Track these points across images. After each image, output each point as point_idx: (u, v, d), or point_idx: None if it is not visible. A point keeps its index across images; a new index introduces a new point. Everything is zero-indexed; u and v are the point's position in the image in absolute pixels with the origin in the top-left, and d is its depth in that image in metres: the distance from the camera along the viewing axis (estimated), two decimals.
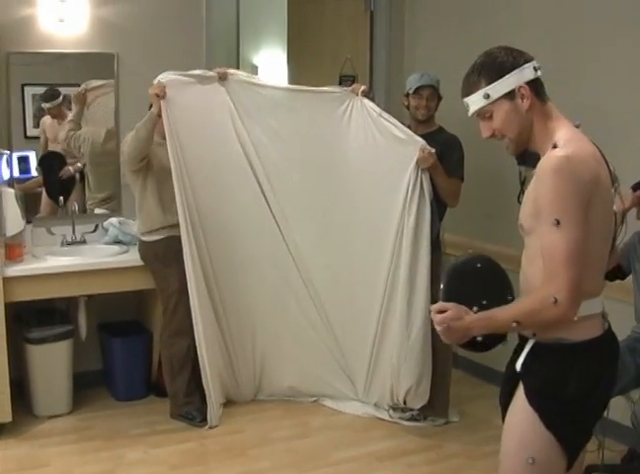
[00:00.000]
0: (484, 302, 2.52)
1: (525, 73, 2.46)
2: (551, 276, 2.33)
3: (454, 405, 5.05)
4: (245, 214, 5.09)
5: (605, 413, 3.01)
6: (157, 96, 4.64)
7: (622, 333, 4.15)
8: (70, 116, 5.48)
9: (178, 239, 4.82)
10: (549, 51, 4.92)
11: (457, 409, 5.05)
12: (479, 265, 2.68)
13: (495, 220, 5.33)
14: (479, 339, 2.51)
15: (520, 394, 2.52)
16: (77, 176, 5.58)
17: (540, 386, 2.47)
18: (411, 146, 4.72)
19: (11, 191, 4.85)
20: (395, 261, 4.85)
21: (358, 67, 6.27)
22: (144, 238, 4.98)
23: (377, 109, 4.91)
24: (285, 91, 5.15)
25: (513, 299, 2.59)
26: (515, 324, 2.38)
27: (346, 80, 6.18)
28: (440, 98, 4.91)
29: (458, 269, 2.70)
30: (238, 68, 6.55)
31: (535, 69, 2.48)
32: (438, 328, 2.49)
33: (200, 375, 4.91)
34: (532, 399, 2.47)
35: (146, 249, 4.99)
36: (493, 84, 2.46)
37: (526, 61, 2.47)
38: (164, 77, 4.71)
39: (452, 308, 2.47)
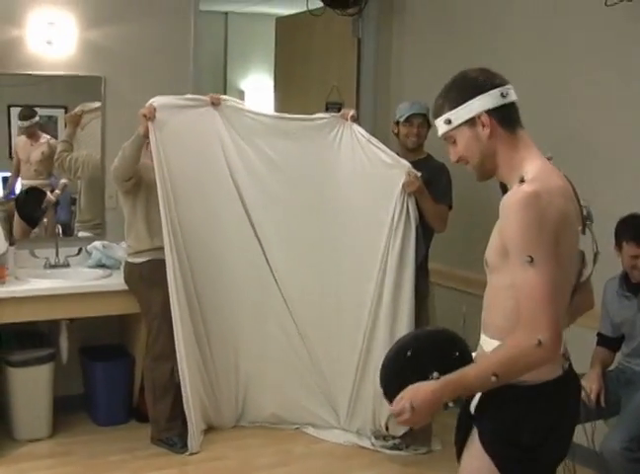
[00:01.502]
0: (435, 375, 2.38)
1: (488, 100, 2.33)
2: (530, 317, 2.18)
3: (437, 434, 5.01)
4: (231, 240, 5.07)
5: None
6: (145, 116, 4.65)
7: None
8: (63, 136, 5.45)
9: (163, 262, 4.82)
10: (536, 75, 4.96)
11: (440, 438, 5.01)
12: (409, 353, 2.48)
13: (480, 248, 5.32)
14: (450, 404, 2.34)
15: (474, 438, 2.41)
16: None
17: (495, 431, 2.36)
18: (397, 170, 4.74)
19: None
20: (379, 288, 4.86)
21: (344, 95, 6.28)
22: (130, 259, 4.96)
23: (365, 134, 4.94)
24: (277, 119, 5.16)
25: (461, 355, 2.45)
26: (494, 378, 2.21)
27: (332, 107, 6.20)
28: (429, 126, 4.92)
29: (389, 372, 2.54)
30: (225, 93, 6.57)
31: (503, 95, 2.34)
32: (404, 419, 2.34)
33: (181, 400, 4.89)
34: (487, 444, 2.36)
35: (132, 270, 4.96)
36: (454, 110, 2.37)
37: (494, 86, 2.34)
38: (156, 100, 4.73)
39: (406, 391, 2.34)
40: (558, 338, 2.19)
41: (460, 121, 2.37)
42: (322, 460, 4.89)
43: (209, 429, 5.15)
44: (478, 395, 2.40)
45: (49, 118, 5.48)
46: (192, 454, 4.85)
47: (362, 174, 4.93)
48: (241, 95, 8.37)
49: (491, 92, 2.34)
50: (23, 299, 4.73)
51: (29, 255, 5.26)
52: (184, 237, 4.89)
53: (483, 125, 2.35)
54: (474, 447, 2.41)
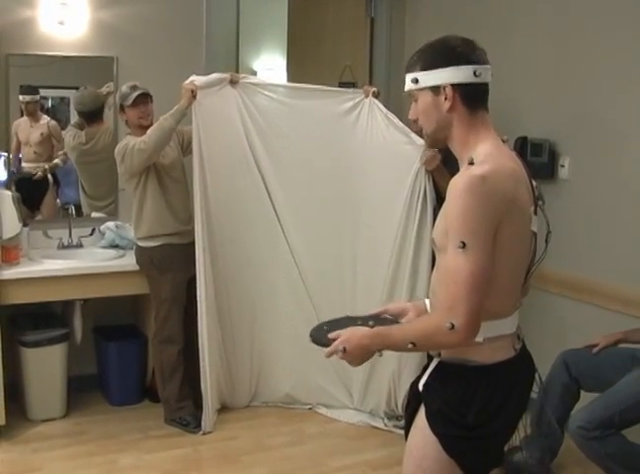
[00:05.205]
0: (370, 323, 2.47)
1: (458, 74, 2.30)
2: (450, 301, 2.19)
3: None
4: (252, 219, 5.09)
5: None
6: (191, 92, 4.65)
7: None
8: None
9: (175, 247, 4.87)
10: (551, 56, 4.92)
11: None
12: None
13: None
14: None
15: (421, 415, 2.41)
16: (50, 178, 5.50)
17: (441, 410, 2.36)
18: (413, 148, 4.72)
19: (8, 193, 4.83)
20: (394, 267, 4.87)
21: (357, 74, 6.25)
22: (141, 243, 4.96)
23: (384, 110, 4.92)
24: (297, 90, 5.15)
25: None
26: (410, 345, 2.28)
27: (345, 87, 6.17)
28: None
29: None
30: (238, 73, 6.55)
31: (476, 74, 2.30)
32: (336, 357, 2.42)
33: (192, 381, 4.93)
34: (432, 423, 2.37)
35: (142, 254, 4.96)
36: (424, 72, 2.35)
37: (469, 62, 2.30)
38: (197, 79, 4.74)
39: (344, 333, 2.40)
40: (473, 326, 2.19)
41: (426, 85, 2.36)
42: (335, 440, 4.90)
43: (223, 408, 5.18)
44: (427, 373, 2.44)
45: (62, 99, 5.47)
46: (205, 434, 4.87)
47: (379, 151, 4.91)
48: (254, 75, 8.32)
49: (464, 67, 2.31)
50: (36, 280, 4.74)
51: (42, 235, 5.27)
52: (217, 216, 4.94)
53: (446, 97, 2.33)
54: (420, 423, 2.42)
